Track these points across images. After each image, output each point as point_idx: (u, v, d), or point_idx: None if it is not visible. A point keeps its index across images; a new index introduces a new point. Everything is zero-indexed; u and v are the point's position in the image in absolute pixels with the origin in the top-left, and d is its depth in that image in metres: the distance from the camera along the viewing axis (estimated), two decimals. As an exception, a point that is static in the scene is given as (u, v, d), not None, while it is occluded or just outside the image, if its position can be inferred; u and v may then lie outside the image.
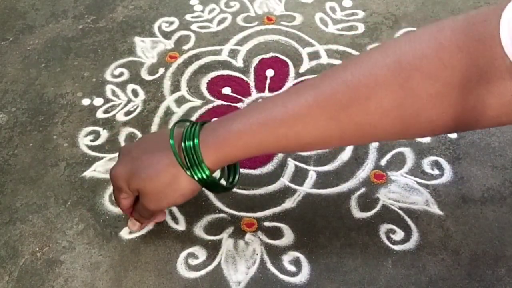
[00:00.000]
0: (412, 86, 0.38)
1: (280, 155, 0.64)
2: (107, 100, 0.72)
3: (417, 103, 0.38)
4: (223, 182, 0.53)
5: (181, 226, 0.58)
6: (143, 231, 0.58)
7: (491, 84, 0.35)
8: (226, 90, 0.72)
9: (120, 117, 0.69)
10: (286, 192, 0.60)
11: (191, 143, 0.44)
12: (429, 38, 0.38)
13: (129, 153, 0.50)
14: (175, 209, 0.60)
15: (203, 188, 0.49)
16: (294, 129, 0.42)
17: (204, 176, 0.45)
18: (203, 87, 0.72)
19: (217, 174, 0.54)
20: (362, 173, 0.61)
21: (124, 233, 0.58)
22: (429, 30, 0.39)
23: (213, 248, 0.56)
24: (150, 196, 0.48)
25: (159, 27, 0.81)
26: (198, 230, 0.58)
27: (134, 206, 0.54)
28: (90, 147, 0.66)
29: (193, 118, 0.69)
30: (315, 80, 0.43)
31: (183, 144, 0.45)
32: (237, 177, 0.52)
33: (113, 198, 0.55)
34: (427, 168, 0.61)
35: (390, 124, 0.40)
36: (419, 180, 0.60)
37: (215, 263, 0.55)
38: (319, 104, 0.41)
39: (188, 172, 0.45)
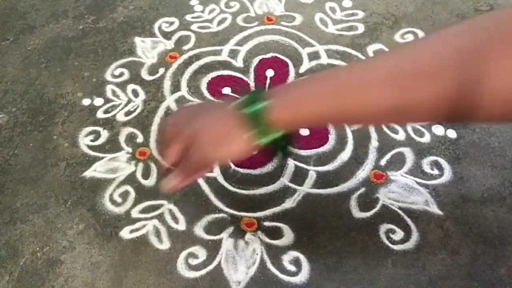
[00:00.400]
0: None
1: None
2: (107, 100, 0.72)
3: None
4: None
5: (181, 226, 0.58)
6: (143, 231, 0.58)
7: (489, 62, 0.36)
8: (226, 90, 0.72)
9: (121, 117, 0.70)
10: (286, 192, 0.61)
11: (261, 104, 0.41)
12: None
13: (189, 108, 0.49)
14: (175, 209, 0.60)
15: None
16: (367, 96, 0.41)
17: (273, 138, 0.43)
18: (203, 87, 0.72)
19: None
20: (362, 173, 0.61)
21: (124, 233, 0.58)
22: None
23: (213, 248, 0.56)
24: (202, 143, 0.45)
25: (159, 27, 0.81)
26: (198, 230, 0.58)
27: (183, 158, 0.49)
28: (90, 147, 0.66)
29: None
30: (387, 54, 0.44)
31: (251, 106, 0.42)
32: (291, 149, 0.48)
33: (160, 148, 0.51)
34: (426, 168, 0.61)
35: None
36: (419, 180, 0.60)
37: (215, 262, 0.55)
38: (391, 76, 0.40)
39: (254, 133, 0.42)
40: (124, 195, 0.61)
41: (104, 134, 0.68)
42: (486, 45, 0.37)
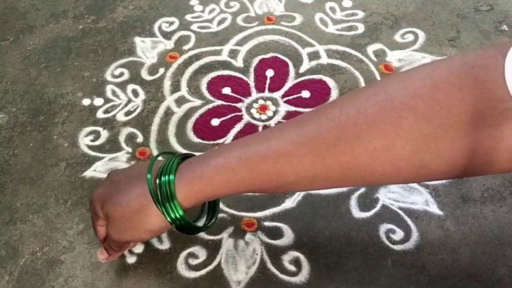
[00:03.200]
0: (404, 127, 0.35)
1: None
2: (107, 100, 0.72)
3: (409, 145, 0.36)
4: (197, 223, 0.52)
5: (181, 226, 0.58)
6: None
7: (493, 128, 0.33)
8: (226, 90, 0.72)
9: (121, 117, 0.70)
10: (286, 192, 0.61)
11: (167, 178, 0.42)
12: (423, 77, 0.36)
13: (112, 178, 0.49)
14: (175, 209, 0.60)
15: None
16: (277, 166, 0.39)
17: (177, 215, 0.43)
18: (203, 87, 0.73)
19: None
20: (362, 173, 0.61)
21: (124, 233, 0.58)
22: (422, 70, 0.37)
23: (213, 248, 0.56)
24: (116, 224, 0.46)
25: (159, 27, 0.81)
26: (198, 230, 0.58)
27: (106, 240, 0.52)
28: (90, 147, 0.66)
29: (193, 118, 0.69)
30: (301, 117, 0.41)
31: (158, 180, 0.43)
32: (213, 219, 0.51)
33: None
34: (427, 168, 0.61)
35: (381, 166, 0.38)
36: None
37: (215, 262, 0.55)
38: (304, 141, 0.39)
39: (160, 209, 0.43)
40: (124, 195, 0.61)
41: (104, 134, 0.68)
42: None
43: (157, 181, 0.43)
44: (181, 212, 0.43)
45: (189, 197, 0.43)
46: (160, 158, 0.48)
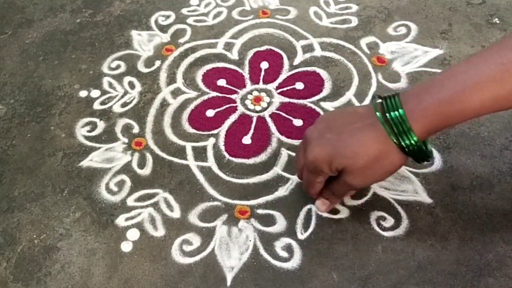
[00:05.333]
0: None
1: (274, 144, 0.65)
2: (104, 92, 0.73)
3: None
4: None
5: (176, 214, 0.59)
6: (138, 219, 0.59)
7: None
8: (221, 82, 0.73)
9: (117, 108, 0.71)
10: (279, 181, 0.62)
11: (397, 113, 0.43)
12: None
13: (322, 135, 0.49)
14: (170, 197, 0.61)
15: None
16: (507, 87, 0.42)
17: (413, 142, 0.44)
18: (199, 79, 0.74)
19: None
20: (354, 162, 0.62)
21: (120, 221, 0.59)
22: None
23: (207, 235, 0.57)
24: (357, 173, 0.47)
25: (156, 21, 0.82)
26: (193, 217, 0.59)
27: (326, 188, 0.54)
28: (87, 138, 0.67)
29: (189, 109, 0.70)
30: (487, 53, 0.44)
31: (388, 115, 0.44)
32: (429, 145, 0.50)
33: (302, 181, 0.54)
34: (417, 157, 0.62)
35: None
36: (410, 169, 0.61)
37: (209, 249, 0.56)
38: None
39: (395, 140, 0.44)
40: (120, 184, 0.62)
41: (101, 125, 0.69)
42: None
43: (388, 116, 0.44)
44: (415, 139, 0.44)
45: (422, 130, 0.44)
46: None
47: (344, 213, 0.58)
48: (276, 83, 0.72)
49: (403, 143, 0.44)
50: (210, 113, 0.69)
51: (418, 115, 0.43)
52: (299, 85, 0.71)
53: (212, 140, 0.66)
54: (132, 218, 0.59)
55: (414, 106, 0.43)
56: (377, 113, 0.45)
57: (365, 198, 0.59)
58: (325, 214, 0.58)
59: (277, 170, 0.63)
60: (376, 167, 0.46)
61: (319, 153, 0.48)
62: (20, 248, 0.57)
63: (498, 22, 0.77)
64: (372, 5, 0.82)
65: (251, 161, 0.64)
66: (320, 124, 0.52)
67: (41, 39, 0.81)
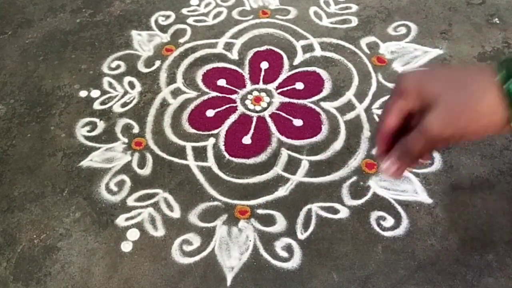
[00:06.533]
0: None
1: (274, 144, 0.65)
2: (104, 92, 0.73)
3: None
4: None
5: (176, 214, 0.59)
6: (138, 219, 0.59)
7: None
8: (221, 82, 0.73)
9: (117, 108, 0.71)
10: (279, 181, 0.62)
11: None
12: None
13: (426, 69, 0.41)
14: (170, 197, 0.61)
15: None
16: None
17: None
18: (199, 79, 0.73)
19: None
20: (354, 162, 0.62)
21: (120, 221, 0.59)
22: None
23: (207, 235, 0.57)
24: (447, 109, 0.37)
25: (156, 21, 0.82)
26: (193, 217, 0.59)
27: (399, 142, 0.45)
28: (87, 138, 0.67)
29: (189, 109, 0.70)
30: None
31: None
32: None
33: (382, 113, 0.44)
34: (417, 157, 0.62)
35: None
36: (410, 169, 0.61)
37: (209, 249, 0.56)
38: None
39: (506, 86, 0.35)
40: (120, 184, 0.62)
41: (101, 125, 0.69)
42: None
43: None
44: None
45: None
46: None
47: (344, 213, 0.58)
48: (276, 83, 0.72)
49: None
50: (210, 113, 0.69)
51: None
52: (299, 85, 0.71)
53: (212, 140, 0.66)
54: (132, 218, 0.59)
55: None
56: (499, 74, 0.35)
57: (365, 198, 0.59)
58: (325, 214, 0.58)
59: (277, 170, 0.63)
60: (472, 113, 0.36)
61: (414, 73, 0.41)
62: (20, 248, 0.57)
63: (498, 22, 0.77)
64: (372, 5, 0.82)
65: (251, 161, 0.64)
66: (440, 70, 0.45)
67: (41, 39, 0.81)
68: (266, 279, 0.53)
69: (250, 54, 0.76)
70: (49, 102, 0.72)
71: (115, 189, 0.62)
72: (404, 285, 0.52)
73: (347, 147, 0.64)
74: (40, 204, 0.61)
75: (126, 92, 0.72)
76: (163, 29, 0.81)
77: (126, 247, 0.57)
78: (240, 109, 0.69)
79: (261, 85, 0.72)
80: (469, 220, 0.56)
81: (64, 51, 0.79)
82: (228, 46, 0.78)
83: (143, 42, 0.79)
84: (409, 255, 0.54)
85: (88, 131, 0.68)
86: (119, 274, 0.54)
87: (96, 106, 0.71)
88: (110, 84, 0.74)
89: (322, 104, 0.69)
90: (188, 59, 0.76)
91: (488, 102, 0.36)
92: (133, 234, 0.58)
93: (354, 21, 0.80)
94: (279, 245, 0.56)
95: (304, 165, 0.63)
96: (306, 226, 0.57)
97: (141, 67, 0.76)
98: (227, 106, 0.70)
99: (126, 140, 0.67)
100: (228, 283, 0.53)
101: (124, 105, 0.71)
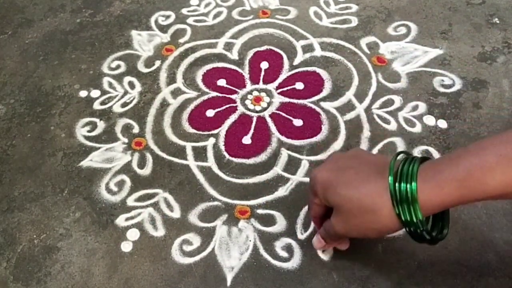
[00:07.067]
0: None
1: (274, 144, 0.65)
2: (104, 92, 0.73)
3: None
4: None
5: (176, 214, 0.59)
6: (138, 219, 0.59)
7: None
8: (221, 82, 0.73)
9: (117, 108, 0.71)
10: (279, 181, 0.62)
11: (409, 185, 0.39)
12: None
13: (337, 160, 0.46)
14: (170, 198, 0.61)
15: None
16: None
17: (414, 219, 0.40)
18: (199, 79, 0.74)
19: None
20: (354, 162, 0.62)
21: (120, 221, 0.59)
22: None
23: (207, 235, 0.57)
24: (342, 217, 0.43)
25: (156, 21, 0.82)
26: (193, 217, 0.59)
27: (324, 221, 0.49)
28: (87, 138, 0.67)
29: (189, 109, 0.70)
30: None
31: (397, 185, 0.40)
32: (445, 230, 0.45)
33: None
34: (417, 157, 0.62)
35: None
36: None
37: (209, 249, 0.56)
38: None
39: (397, 211, 0.40)
40: (120, 184, 0.62)
41: (101, 125, 0.69)
42: None
43: (397, 185, 0.40)
44: (420, 216, 0.40)
45: (432, 202, 0.39)
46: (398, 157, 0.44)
47: (344, 213, 0.58)
48: (276, 83, 0.72)
49: (403, 220, 0.41)
50: (210, 113, 0.69)
51: (429, 192, 0.39)
52: (299, 85, 0.71)
53: (212, 140, 0.66)
54: (132, 218, 0.59)
55: (428, 180, 0.40)
56: (390, 178, 0.41)
57: (365, 198, 0.59)
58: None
59: (277, 170, 0.63)
60: (364, 220, 0.42)
61: (320, 175, 0.46)
62: (20, 248, 0.57)
63: (498, 22, 0.77)
64: (372, 5, 0.82)
65: (251, 161, 0.64)
66: (351, 152, 0.49)
67: (41, 39, 0.81)
68: (266, 279, 0.53)
69: (250, 54, 0.76)
70: (49, 102, 0.72)
71: (115, 189, 0.62)
72: (404, 285, 0.52)
73: (347, 147, 0.64)
74: (40, 204, 0.61)
75: (126, 92, 0.72)
76: (163, 29, 0.81)
77: (126, 247, 0.57)
78: (240, 109, 0.69)
79: (261, 85, 0.72)
80: (469, 220, 0.56)
81: (64, 51, 0.79)
82: (228, 46, 0.78)
83: (143, 42, 0.79)
84: (409, 255, 0.54)
85: (88, 131, 0.68)
86: (119, 274, 0.54)
87: (96, 106, 0.71)
88: (110, 84, 0.74)
89: (322, 104, 0.69)
90: (188, 59, 0.76)
91: (381, 216, 0.42)
92: (133, 234, 0.58)
93: (354, 21, 0.80)
94: (279, 245, 0.56)
95: (304, 165, 0.63)
96: (306, 226, 0.57)
97: (141, 67, 0.76)
98: (227, 106, 0.70)
99: (126, 140, 0.67)
100: (228, 283, 0.53)
101: (124, 105, 0.71)
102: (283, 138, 0.65)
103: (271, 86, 0.71)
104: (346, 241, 0.53)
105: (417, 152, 0.63)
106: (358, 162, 0.46)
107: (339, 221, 0.45)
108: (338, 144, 0.64)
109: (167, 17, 0.83)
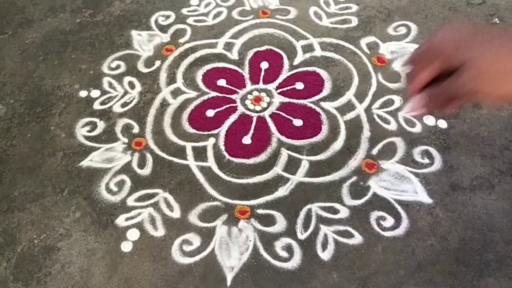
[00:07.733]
0: None
1: (274, 144, 0.65)
2: (104, 92, 0.73)
3: None
4: None
5: (176, 214, 0.59)
6: (138, 219, 0.59)
7: None
8: (221, 82, 0.73)
9: (117, 108, 0.71)
10: (279, 181, 0.62)
11: None
12: None
13: (459, 27, 0.38)
14: (170, 198, 0.61)
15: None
16: None
17: None
18: (199, 79, 0.73)
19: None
20: (354, 162, 0.62)
21: (120, 221, 0.59)
22: None
23: (207, 235, 0.57)
24: (479, 72, 0.36)
25: (156, 21, 0.82)
26: (193, 217, 0.59)
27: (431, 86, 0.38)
28: (87, 138, 0.67)
29: (189, 109, 0.70)
30: None
31: None
32: None
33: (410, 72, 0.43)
34: (417, 157, 0.62)
35: None
36: (410, 169, 0.61)
37: (209, 249, 0.56)
38: None
39: None
40: (120, 184, 0.62)
41: (101, 125, 0.69)
42: None
43: None
44: None
45: None
46: None
47: (344, 213, 0.58)
48: (276, 83, 0.72)
49: None
50: (210, 113, 0.69)
51: None
52: (299, 85, 0.71)
53: (212, 140, 0.66)
54: (132, 218, 0.59)
55: None
56: None
57: (365, 198, 0.59)
58: (325, 214, 0.58)
59: (277, 170, 0.63)
60: (503, 74, 0.36)
61: (448, 34, 0.38)
62: (20, 248, 0.57)
63: (498, 22, 0.77)
64: (372, 5, 0.82)
65: (251, 161, 0.64)
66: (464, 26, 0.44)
67: (41, 39, 0.81)
68: (266, 279, 0.53)
69: (250, 54, 0.76)
70: (49, 102, 0.72)
71: (115, 189, 0.62)
72: (404, 285, 0.52)
73: (347, 147, 0.64)
74: (40, 204, 0.61)
75: (126, 92, 0.72)
76: (163, 29, 0.81)
77: (126, 247, 0.57)
78: (240, 109, 0.69)
79: (261, 85, 0.72)
80: (469, 220, 0.56)
81: (64, 51, 0.79)
82: (228, 46, 0.78)
83: (143, 42, 0.79)
84: (409, 255, 0.54)
85: (88, 131, 0.68)
86: (119, 274, 0.54)
87: (96, 106, 0.71)
88: (110, 84, 0.73)
89: (322, 104, 0.69)
90: (188, 59, 0.76)
91: None
92: (133, 234, 0.58)
93: (354, 21, 0.80)
94: (279, 245, 0.56)
95: (304, 165, 0.63)
96: (306, 226, 0.57)
97: (141, 67, 0.76)
98: (227, 106, 0.70)
99: (126, 140, 0.67)
100: (228, 283, 0.53)
101: (124, 105, 0.71)
102: (283, 138, 0.65)
103: (271, 86, 0.71)
104: (456, 104, 0.46)
105: (416, 152, 0.63)
106: (491, 31, 0.41)
107: (474, 76, 0.36)
108: (338, 144, 0.64)
109: (167, 17, 0.83)
